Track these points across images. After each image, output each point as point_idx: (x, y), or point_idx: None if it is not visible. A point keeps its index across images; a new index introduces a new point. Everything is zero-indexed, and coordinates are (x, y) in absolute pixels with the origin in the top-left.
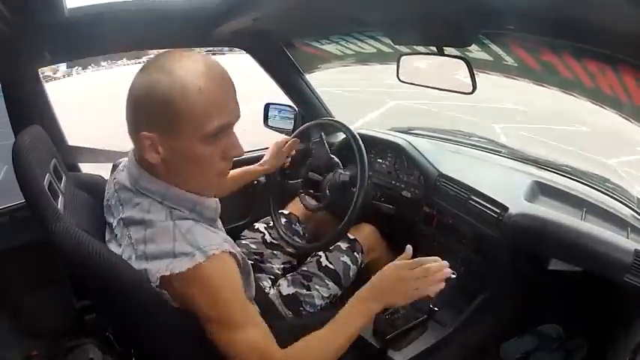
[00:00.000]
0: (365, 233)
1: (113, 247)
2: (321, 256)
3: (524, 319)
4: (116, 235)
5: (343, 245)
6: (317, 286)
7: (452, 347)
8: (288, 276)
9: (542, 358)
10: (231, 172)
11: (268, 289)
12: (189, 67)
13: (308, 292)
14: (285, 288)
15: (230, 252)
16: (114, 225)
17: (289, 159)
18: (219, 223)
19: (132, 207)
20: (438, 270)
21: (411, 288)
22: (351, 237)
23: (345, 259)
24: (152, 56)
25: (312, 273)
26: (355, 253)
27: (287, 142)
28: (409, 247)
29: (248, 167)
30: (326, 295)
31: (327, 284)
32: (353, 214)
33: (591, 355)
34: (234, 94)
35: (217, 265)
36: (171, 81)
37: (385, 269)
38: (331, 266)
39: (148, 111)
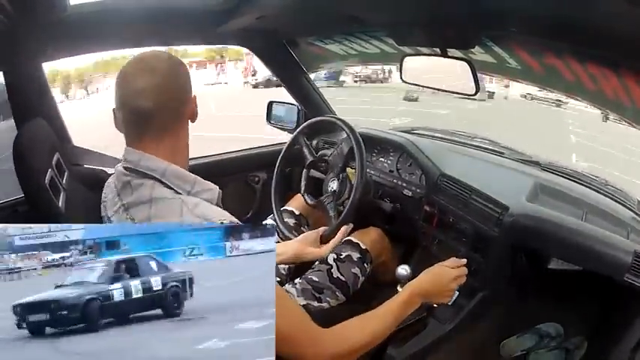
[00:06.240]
0: (373, 239)
1: None
2: (332, 267)
3: (524, 318)
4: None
5: (354, 256)
6: (328, 298)
7: (451, 345)
8: (297, 284)
9: (542, 357)
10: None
11: None
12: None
13: (319, 305)
14: (296, 298)
15: None
16: (111, 217)
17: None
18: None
19: (133, 190)
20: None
21: (452, 290)
22: (363, 247)
23: (356, 270)
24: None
25: (323, 285)
26: (365, 264)
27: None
28: (463, 261)
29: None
30: (334, 304)
31: (338, 296)
32: (350, 209)
33: (591, 354)
34: None
35: None
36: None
37: (436, 272)
38: (342, 278)
39: (187, 78)
